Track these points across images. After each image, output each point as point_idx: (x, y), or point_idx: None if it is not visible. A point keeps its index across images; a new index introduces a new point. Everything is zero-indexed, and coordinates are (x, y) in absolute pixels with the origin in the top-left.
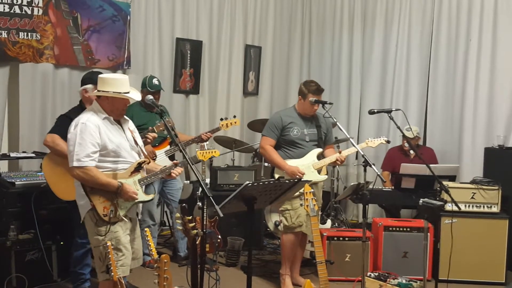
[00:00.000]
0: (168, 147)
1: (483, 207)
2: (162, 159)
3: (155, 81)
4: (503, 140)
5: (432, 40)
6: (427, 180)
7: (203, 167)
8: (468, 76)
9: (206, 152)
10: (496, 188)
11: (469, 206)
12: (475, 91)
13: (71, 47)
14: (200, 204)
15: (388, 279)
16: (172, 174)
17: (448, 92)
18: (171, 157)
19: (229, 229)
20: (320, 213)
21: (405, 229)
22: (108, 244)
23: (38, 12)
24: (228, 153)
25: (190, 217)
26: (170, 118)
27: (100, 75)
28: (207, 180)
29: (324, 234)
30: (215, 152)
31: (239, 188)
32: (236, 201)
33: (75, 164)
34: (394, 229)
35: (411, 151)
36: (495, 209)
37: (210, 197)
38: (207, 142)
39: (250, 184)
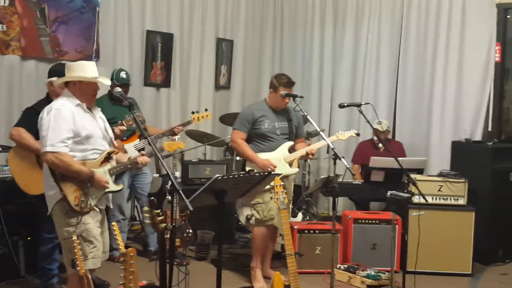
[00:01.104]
0: (137, 141)
1: (450, 199)
2: (131, 153)
3: (122, 74)
4: (469, 134)
5: (402, 36)
6: (396, 173)
7: (174, 161)
8: (437, 71)
9: (172, 144)
10: (463, 181)
11: (436, 198)
12: (443, 86)
13: (38, 39)
14: (170, 197)
15: (357, 271)
16: (138, 161)
17: (417, 87)
18: (141, 151)
19: (201, 223)
20: (291, 206)
21: (374, 221)
22: (74, 238)
23: (4, 3)
24: (200, 147)
25: (158, 211)
26: (140, 112)
27: (67, 63)
28: (178, 174)
29: (295, 227)
30: (180, 144)
31: (209, 181)
32: (206, 194)
33: (48, 149)
34: (363, 221)
35: (381, 145)
36: (461, 201)
37: (180, 191)
38: (179, 136)
39: (220, 178)
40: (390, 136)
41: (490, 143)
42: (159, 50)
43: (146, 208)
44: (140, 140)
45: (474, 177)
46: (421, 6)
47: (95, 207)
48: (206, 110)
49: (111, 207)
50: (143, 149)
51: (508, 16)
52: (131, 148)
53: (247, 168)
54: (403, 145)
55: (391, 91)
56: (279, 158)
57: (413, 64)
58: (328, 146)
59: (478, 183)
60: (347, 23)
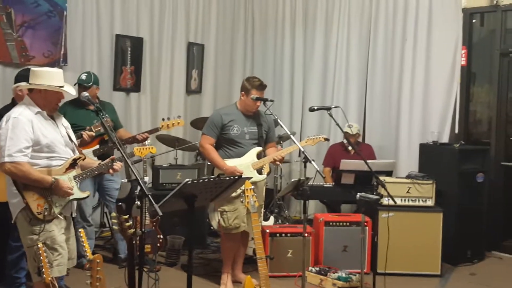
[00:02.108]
0: (97, 146)
1: (418, 201)
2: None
3: (82, 75)
4: (437, 136)
5: (370, 39)
6: (365, 176)
7: (144, 166)
8: (404, 74)
9: (143, 149)
10: (431, 182)
11: (405, 200)
12: (411, 89)
13: (4, 43)
14: (139, 203)
15: (328, 273)
16: (114, 167)
17: (385, 90)
18: (101, 157)
19: (171, 228)
20: (263, 210)
21: (344, 223)
22: (39, 245)
23: None
24: (171, 152)
25: (126, 217)
26: (108, 117)
27: (32, 68)
28: (147, 179)
29: (267, 231)
30: (152, 148)
31: (179, 185)
32: (176, 199)
33: (6, 159)
34: (334, 224)
35: (351, 148)
36: (429, 202)
37: (149, 196)
38: (149, 141)
39: (189, 182)
40: (360, 139)
41: (457, 145)
42: (129, 54)
43: (114, 214)
44: (100, 146)
45: (442, 178)
46: (388, 10)
47: (59, 215)
48: (179, 117)
49: (74, 215)
50: (106, 155)
51: (474, 21)
52: (90, 154)
53: (216, 173)
54: (372, 148)
55: (361, 95)
56: (247, 165)
57: (382, 68)
58: (300, 150)
59: (445, 185)
60: (317, 27)
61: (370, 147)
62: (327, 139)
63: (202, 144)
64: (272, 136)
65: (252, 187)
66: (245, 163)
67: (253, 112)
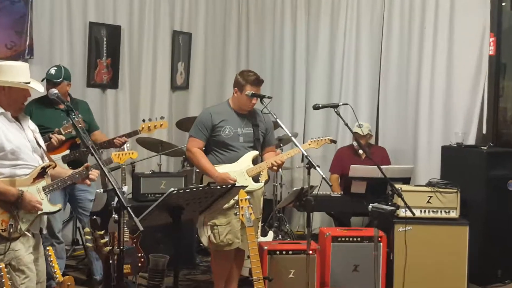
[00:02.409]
0: (67, 152)
1: (441, 212)
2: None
3: (51, 70)
4: (461, 138)
5: (384, 28)
6: (379, 184)
7: (123, 174)
8: (423, 67)
9: (122, 154)
10: (455, 190)
11: (425, 211)
12: (431, 84)
13: None
14: (116, 216)
15: None
16: (90, 177)
17: (401, 86)
18: (72, 164)
19: (154, 246)
20: (260, 224)
21: (355, 239)
22: (1, 266)
23: None
24: (154, 157)
25: (102, 232)
26: (80, 117)
27: None
28: (126, 189)
29: (265, 248)
30: (132, 153)
31: (162, 196)
32: (160, 211)
33: None
34: (343, 239)
35: (361, 151)
36: (453, 214)
37: (128, 208)
38: (128, 145)
39: (175, 192)
40: (372, 141)
41: (485, 148)
42: (105, 45)
43: (87, 230)
44: (70, 151)
45: (468, 186)
46: None
47: (26, 232)
48: (162, 118)
49: (45, 231)
50: (77, 162)
51: (503, 4)
52: (58, 160)
53: (205, 181)
54: (387, 151)
55: (373, 90)
56: (241, 171)
57: (397, 60)
58: (302, 154)
59: (472, 193)
60: (322, 15)
61: (384, 150)
62: (333, 141)
63: (190, 147)
64: (270, 139)
65: (248, 197)
66: (239, 170)
67: (248, 110)
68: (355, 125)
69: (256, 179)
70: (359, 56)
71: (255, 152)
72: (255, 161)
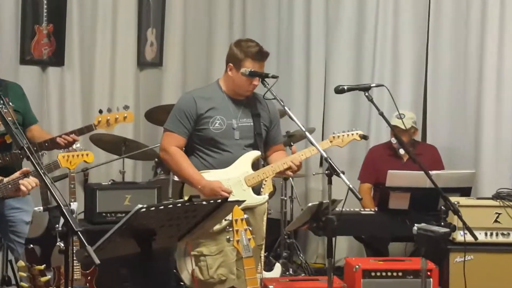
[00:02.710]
0: None
1: None
2: None
3: None
4: None
5: None
6: (427, 196)
7: (72, 185)
8: (487, 40)
9: (73, 156)
10: None
11: (491, 234)
12: (498, 63)
13: None
14: (62, 245)
15: None
16: (21, 187)
17: (457, 65)
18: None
19: (117, 285)
20: (263, 254)
21: (395, 273)
22: None
23: None
24: (115, 162)
25: (42, 267)
26: (11, 106)
27: None
28: (76, 206)
29: (270, 287)
30: (87, 155)
31: (126, 216)
32: (123, 238)
33: None
34: (378, 274)
35: (403, 151)
36: None
37: (79, 233)
38: (78, 144)
39: (144, 210)
40: (418, 138)
41: None
42: (45, 6)
43: (22, 263)
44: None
45: None
46: None
47: None
48: (126, 107)
49: None
50: (6, 167)
51: None
52: None
53: (188, 194)
54: (438, 151)
55: (419, 70)
56: (237, 180)
57: (451, 30)
58: (321, 155)
59: None
60: None
61: (435, 150)
62: (365, 137)
63: (165, 146)
64: (276, 134)
65: (245, 216)
66: (234, 177)
67: (247, 95)
68: (394, 116)
69: (257, 190)
70: (399, 24)
71: (256, 153)
72: (256, 165)
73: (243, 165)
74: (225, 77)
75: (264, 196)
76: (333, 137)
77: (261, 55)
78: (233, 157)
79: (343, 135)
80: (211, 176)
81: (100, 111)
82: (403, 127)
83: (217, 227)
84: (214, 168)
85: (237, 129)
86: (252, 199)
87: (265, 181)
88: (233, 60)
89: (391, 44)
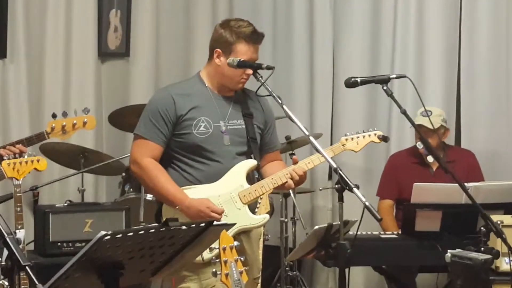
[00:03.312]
0: None
1: None
2: None
3: None
4: None
5: None
6: (463, 215)
7: (18, 208)
8: None
9: (20, 163)
10: None
11: None
12: None
13: None
14: (6, 283)
15: None
16: None
17: (498, 50)
18: None
19: None
20: None
21: None
22: None
23: None
24: (72, 177)
25: None
26: None
27: None
28: (23, 234)
29: None
30: (38, 162)
31: (87, 245)
32: (82, 273)
33: None
34: None
35: (431, 159)
36: None
37: (27, 268)
38: (31, 152)
39: (108, 237)
40: (451, 142)
41: None
42: None
43: None
44: None
45: None
46: None
47: None
48: (86, 111)
49: None
50: None
51: None
52: None
53: (165, 216)
54: (476, 158)
55: (450, 60)
56: (230, 196)
57: (489, 8)
58: (330, 165)
59: None
60: None
61: (471, 156)
62: (385, 138)
63: (136, 157)
64: (272, 139)
65: (236, 243)
66: (226, 193)
67: (237, 89)
68: (419, 114)
69: (251, 210)
70: (424, 6)
71: (252, 162)
72: (249, 177)
73: (236, 178)
74: (209, 68)
75: (264, 216)
76: (346, 139)
77: (256, 37)
78: (223, 168)
79: (358, 137)
80: (197, 193)
81: (54, 115)
82: (430, 126)
83: (208, 255)
84: (199, 183)
85: (226, 133)
86: (249, 219)
87: (261, 198)
88: (222, 45)
89: (415, 26)
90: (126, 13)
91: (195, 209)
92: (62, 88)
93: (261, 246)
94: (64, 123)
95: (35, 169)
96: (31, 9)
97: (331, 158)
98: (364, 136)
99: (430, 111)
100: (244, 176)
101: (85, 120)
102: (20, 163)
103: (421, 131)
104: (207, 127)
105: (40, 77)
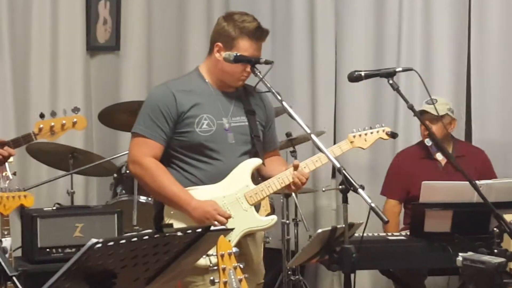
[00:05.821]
0: None
1: None
2: None
3: None
4: None
5: None
6: (475, 214)
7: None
8: None
9: (7, 198)
10: None
11: None
12: None
13: None
14: None
15: None
16: None
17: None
18: None
19: None
20: None
21: None
22: None
23: None
24: (61, 179)
25: None
26: None
27: None
28: (9, 242)
29: None
30: (25, 197)
31: (78, 253)
32: (73, 282)
33: None
34: None
35: (440, 156)
36: None
37: (13, 278)
38: (12, 159)
39: (100, 245)
40: (461, 136)
41: None
42: None
43: None
44: None
45: None
46: None
47: None
48: (76, 110)
49: None
50: None
51: None
52: None
53: (167, 220)
54: (487, 155)
55: (459, 50)
56: (235, 197)
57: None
58: (333, 165)
59: None
60: None
61: (481, 153)
62: (393, 135)
63: (137, 158)
64: (272, 137)
65: (235, 250)
66: (231, 194)
67: (238, 86)
68: (424, 102)
69: (257, 209)
70: None
71: (257, 161)
72: (254, 177)
73: (241, 177)
74: (209, 62)
75: (273, 217)
76: (354, 136)
77: (260, 32)
78: (226, 168)
79: (365, 134)
80: (200, 194)
81: (42, 115)
82: (434, 113)
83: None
84: (201, 183)
85: (229, 131)
86: (256, 221)
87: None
88: (224, 39)
89: (421, 14)
90: (116, 4)
91: (202, 210)
92: (48, 84)
93: (261, 249)
94: (52, 124)
95: (22, 205)
96: (15, 0)
97: (339, 156)
98: (372, 133)
99: (435, 99)
100: (249, 175)
101: (75, 120)
102: (7, 198)
103: (424, 119)
104: (210, 125)
105: (25, 73)
